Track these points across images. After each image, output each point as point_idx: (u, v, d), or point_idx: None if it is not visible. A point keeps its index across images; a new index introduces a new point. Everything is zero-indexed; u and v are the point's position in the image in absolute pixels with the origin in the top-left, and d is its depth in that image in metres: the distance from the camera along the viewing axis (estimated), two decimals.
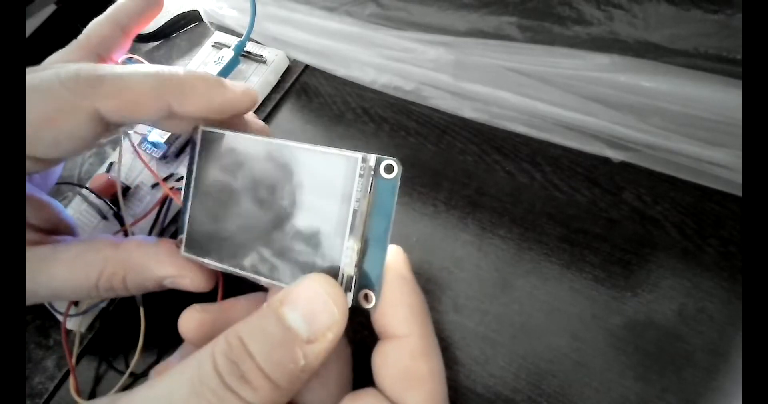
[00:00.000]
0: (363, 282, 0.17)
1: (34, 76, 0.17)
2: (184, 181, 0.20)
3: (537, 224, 0.24)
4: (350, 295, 0.16)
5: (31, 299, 0.21)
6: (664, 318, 0.20)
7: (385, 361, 0.17)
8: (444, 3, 0.24)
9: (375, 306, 0.17)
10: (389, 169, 0.16)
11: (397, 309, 0.17)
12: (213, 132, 0.20)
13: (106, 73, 0.17)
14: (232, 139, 0.19)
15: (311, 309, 0.15)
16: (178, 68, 0.19)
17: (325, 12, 0.29)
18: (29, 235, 0.20)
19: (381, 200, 0.16)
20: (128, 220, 0.29)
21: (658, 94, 0.20)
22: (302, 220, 0.17)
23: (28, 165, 0.18)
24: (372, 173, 0.16)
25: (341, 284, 0.16)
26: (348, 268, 0.16)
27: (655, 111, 0.21)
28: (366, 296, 0.17)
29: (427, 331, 0.17)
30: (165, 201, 0.28)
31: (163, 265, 0.20)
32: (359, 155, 0.17)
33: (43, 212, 0.21)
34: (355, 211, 0.16)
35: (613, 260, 0.22)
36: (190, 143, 0.20)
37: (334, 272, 0.17)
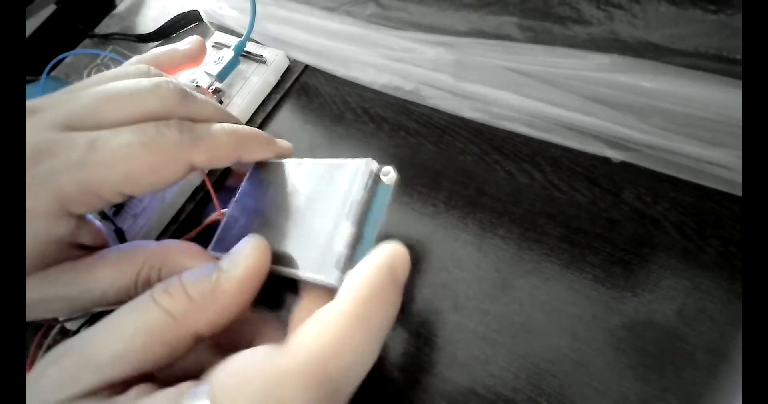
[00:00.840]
0: (348, 267, 0.18)
1: (145, 131, 0.20)
2: (234, 198, 0.24)
3: (537, 224, 0.24)
4: (336, 273, 0.18)
5: (76, 308, 0.22)
6: (664, 318, 0.20)
7: (296, 308, 0.19)
8: (444, 3, 0.24)
9: None
10: (387, 174, 0.19)
11: (351, 281, 0.17)
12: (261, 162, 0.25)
13: (203, 133, 0.21)
14: (268, 164, 0.24)
15: (235, 253, 0.19)
16: (246, 128, 0.23)
17: (325, 12, 0.29)
18: (78, 251, 0.22)
19: (376, 202, 0.19)
20: (128, 220, 0.29)
21: (658, 94, 0.20)
22: (312, 218, 0.20)
23: (115, 198, 0.21)
24: (373, 175, 0.19)
25: (332, 261, 0.18)
26: (338, 246, 0.18)
27: (655, 111, 0.21)
28: None
29: (363, 307, 0.16)
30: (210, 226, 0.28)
31: (196, 259, 0.22)
32: (365, 159, 0.19)
33: (92, 233, 0.23)
34: (353, 201, 0.18)
35: (613, 260, 0.22)
36: (250, 170, 0.25)
37: (326, 251, 0.18)
